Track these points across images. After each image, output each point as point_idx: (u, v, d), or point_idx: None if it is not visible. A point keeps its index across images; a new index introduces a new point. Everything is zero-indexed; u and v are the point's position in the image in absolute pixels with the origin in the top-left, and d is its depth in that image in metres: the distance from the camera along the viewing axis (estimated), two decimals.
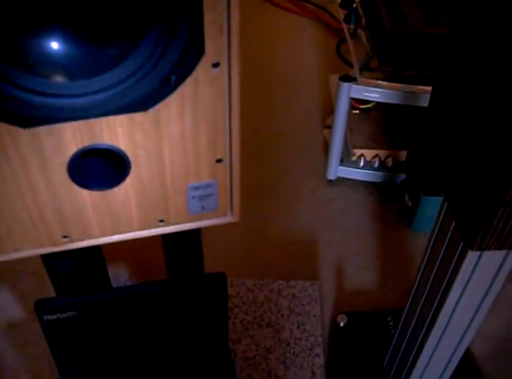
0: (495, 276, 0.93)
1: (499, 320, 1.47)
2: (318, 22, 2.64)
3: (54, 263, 0.87)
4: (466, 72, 0.79)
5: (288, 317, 1.46)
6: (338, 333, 1.44)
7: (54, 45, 0.59)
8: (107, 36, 0.59)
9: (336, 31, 2.50)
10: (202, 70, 0.63)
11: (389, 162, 1.74)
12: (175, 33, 0.59)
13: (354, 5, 1.76)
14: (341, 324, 1.44)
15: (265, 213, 1.74)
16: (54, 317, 0.92)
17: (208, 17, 0.60)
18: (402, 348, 1.22)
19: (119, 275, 1.55)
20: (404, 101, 1.57)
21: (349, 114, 1.69)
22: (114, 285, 1.05)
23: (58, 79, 0.60)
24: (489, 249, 0.79)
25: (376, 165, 1.75)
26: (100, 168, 0.70)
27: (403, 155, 1.75)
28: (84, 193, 0.71)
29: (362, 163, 1.75)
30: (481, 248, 0.80)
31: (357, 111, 1.89)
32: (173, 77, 0.63)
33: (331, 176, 1.78)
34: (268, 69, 2.35)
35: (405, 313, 1.20)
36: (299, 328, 1.44)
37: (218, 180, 0.74)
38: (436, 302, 1.01)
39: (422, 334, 1.10)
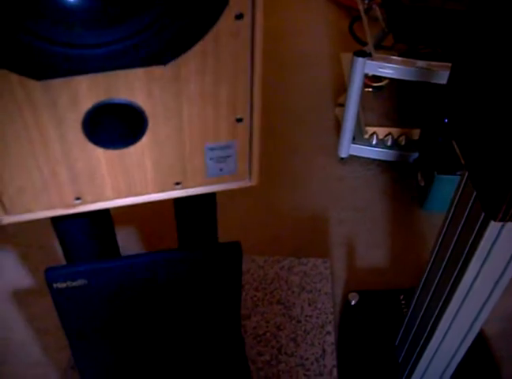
0: None
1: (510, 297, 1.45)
2: (329, 0, 2.61)
3: (65, 227, 0.85)
4: (489, 45, 0.76)
5: (298, 295, 1.44)
6: (349, 311, 1.42)
7: None
8: None
9: (348, 9, 2.47)
10: (225, 22, 0.61)
11: (402, 140, 1.71)
12: None
13: None
14: (352, 303, 1.42)
15: (277, 190, 1.72)
16: (64, 285, 0.90)
17: None
18: (415, 327, 1.20)
19: (128, 243, 1.52)
20: (418, 77, 1.54)
21: (362, 91, 1.65)
22: (122, 253, 1.03)
23: (76, 28, 0.58)
24: None
25: (389, 143, 1.72)
26: (116, 126, 0.68)
27: (416, 133, 1.72)
28: (99, 152, 0.68)
29: (374, 141, 1.73)
30: (504, 219, 0.78)
31: (370, 89, 1.85)
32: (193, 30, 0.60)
33: (343, 154, 1.76)
34: (279, 48, 2.31)
35: (418, 291, 1.18)
36: (310, 305, 1.42)
37: (237, 141, 0.72)
38: (452, 278, 0.99)
39: (436, 312, 1.08)
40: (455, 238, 0.98)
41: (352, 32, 2.27)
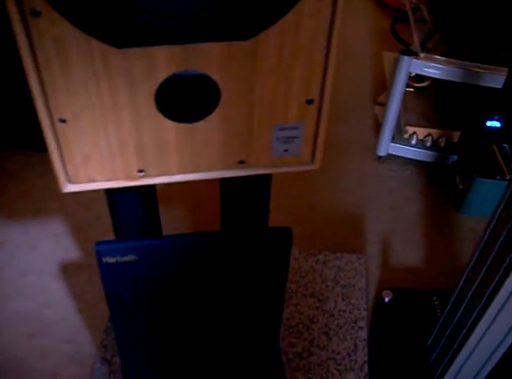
0: None
1: None
2: (371, 0, 2.60)
3: (119, 199, 0.85)
4: None
5: (332, 289, 1.44)
6: (383, 308, 1.41)
7: None
8: None
9: (389, 9, 2.46)
10: (307, 1, 0.61)
11: (442, 142, 1.70)
12: None
13: None
14: (386, 300, 1.42)
15: (314, 185, 1.72)
16: (114, 259, 0.91)
17: None
18: (449, 329, 1.20)
19: (170, 222, 1.54)
20: (465, 79, 1.53)
21: (404, 91, 1.65)
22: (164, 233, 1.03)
23: None
24: None
25: (428, 144, 1.71)
26: (187, 100, 0.68)
27: (456, 136, 1.71)
28: (169, 125, 0.69)
29: (414, 141, 1.72)
30: None
31: (411, 90, 1.84)
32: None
33: (382, 152, 1.75)
34: None
35: (456, 293, 1.17)
36: (343, 300, 1.42)
37: (305, 123, 0.72)
38: (493, 283, 0.98)
39: (473, 316, 1.07)
40: (498, 242, 0.97)
41: (394, 32, 2.26)
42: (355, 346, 1.34)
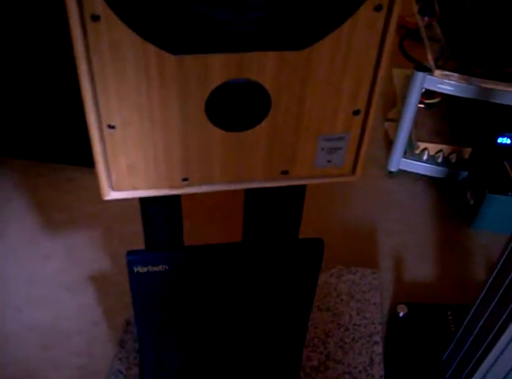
0: None
1: None
2: None
3: (152, 208, 0.84)
4: None
5: (347, 303, 1.44)
6: (397, 323, 1.41)
7: None
8: None
9: (398, 27, 2.48)
10: (364, 12, 0.61)
11: (453, 158, 1.71)
12: None
13: None
14: (401, 314, 1.41)
15: (326, 199, 1.72)
16: (145, 269, 0.90)
17: None
18: (466, 345, 1.19)
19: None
20: (477, 96, 1.55)
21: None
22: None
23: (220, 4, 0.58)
24: None
25: (440, 160, 1.72)
26: (237, 108, 0.68)
27: (467, 152, 1.72)
28: (217, 133, 0.69)
29: (425, 157, 1.73)
30: None
31: (422, 106, 1.86)
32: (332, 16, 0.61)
33: (393, 168, 1.76)
34: None
35: (473, 309, 1.17)
36: (358, 314, 1.42)
37: (350, 134, 0.72)
38: None
39: (492, 334, 1.07)
40: None
41: (402, 49, 2.28)
42: (371, 360, 1.33)
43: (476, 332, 1.15)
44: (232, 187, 0.75)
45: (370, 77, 0.67)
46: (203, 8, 0.56)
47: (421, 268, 1.56)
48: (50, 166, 1.70)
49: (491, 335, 1.08)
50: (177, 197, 0.83)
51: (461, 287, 1.51)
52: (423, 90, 1.62)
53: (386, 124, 1.94)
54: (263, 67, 0.63)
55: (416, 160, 1.74)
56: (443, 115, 1.85)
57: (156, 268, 0.90)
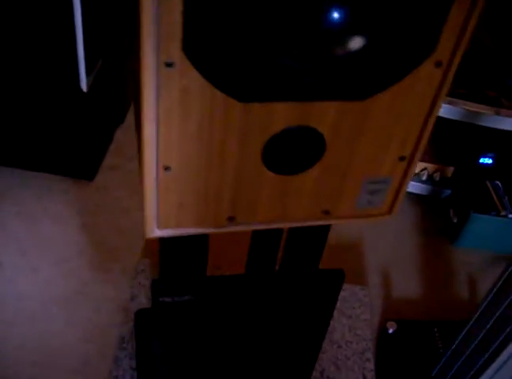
0: None
1: None
2: None
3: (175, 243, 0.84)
4: None
5: (338, 319, 1.46)
6: (387, 340, 1.44)
7: None
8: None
9: None
10: (425, 67, 0.63)
11: (437, 176, 1.76)
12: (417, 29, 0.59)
13: None
14: (390, 331, 1.45)
15: None
16: (170, 299, 0.90)
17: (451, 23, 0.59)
18: (459, 362, 1.23)
19: None
20: (460, 117, 1.59)
21: None
22: None
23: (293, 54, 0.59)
24: None
25: (424, 178, 1.76)
26: (292, 153, 0.68)
27: (450, 171, 1.77)
28: (268, 175, 0.69)
29: None
30: None
31: None
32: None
33: None
34: None
35: (468, 327, 1.21)
36: (350, 331, 1.44)
37: (393, 177, 0.74)
38: None
39: (488, 353, 1.11)
40: None
41: None
42: (364, 377, 1.36)
43: (469, 351, 1.19)
44: (273, 226, 0.76)
45: (420, 126, 0.69)
46: (286, 60, 0.57)
47: (407, 284, 1.60)
48: (39, 176, 1.66)
49: (486, 357, 1.12)
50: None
51: (446, 302, 1.56)
52: None
53: None
54: (324, 115, 0.64)
55: None
56: None
57: (180, 299, 0.90)
